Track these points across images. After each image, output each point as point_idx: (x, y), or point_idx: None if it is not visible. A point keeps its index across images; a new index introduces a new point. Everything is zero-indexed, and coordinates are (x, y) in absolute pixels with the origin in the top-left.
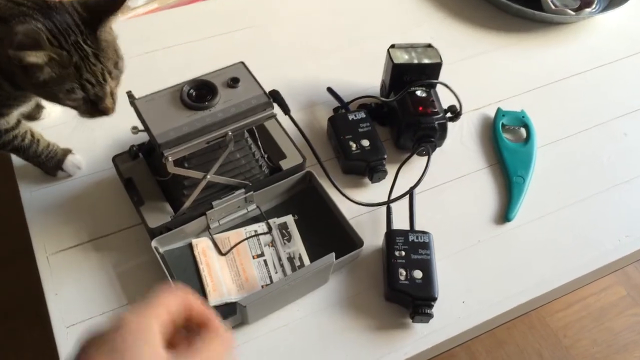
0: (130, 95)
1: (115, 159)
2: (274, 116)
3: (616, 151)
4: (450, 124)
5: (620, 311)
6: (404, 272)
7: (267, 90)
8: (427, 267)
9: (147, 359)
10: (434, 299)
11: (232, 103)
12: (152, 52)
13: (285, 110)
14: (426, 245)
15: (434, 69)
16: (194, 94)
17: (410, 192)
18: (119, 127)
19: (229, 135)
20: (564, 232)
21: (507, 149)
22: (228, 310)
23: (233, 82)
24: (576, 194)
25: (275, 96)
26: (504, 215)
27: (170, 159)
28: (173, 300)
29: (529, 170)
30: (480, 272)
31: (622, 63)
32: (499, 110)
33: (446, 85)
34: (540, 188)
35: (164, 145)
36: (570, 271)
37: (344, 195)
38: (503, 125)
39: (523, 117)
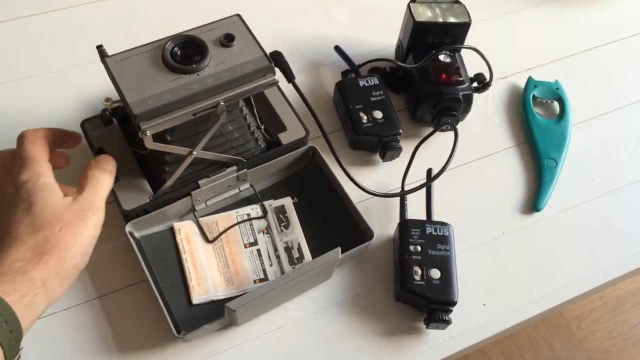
0: (101, 50)
1: (85, 124)
2: (275, 83)
3: None
4: (475, 95)
5: (639, 301)
6: (419, 271)
7: (268, 50)
8: (446, 265)
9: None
10: (454, 304)
11: (226, 66)
12: None
13: (289, 76)
14: (446, 240)
15: (461, 30)
16: (179, 53)
17: (428, 185)
18: (90, 84)
19: (221, 106)
20: (600, 225)
21: (539, 126)
22: (214, 310)
23: (227, 40)
24: (614, 180)
25: (277, 59)
26: (533, 204)
27: (148, 133)
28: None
29: (563, 152)
30: (503, 270)
31: None
32: (530, 79)
33: (477, 51)
34: (573, 173)
35: (141, 117)
36: (606, 271)
37: (353, 180)
38: (534, 97)
39: (557, 88)
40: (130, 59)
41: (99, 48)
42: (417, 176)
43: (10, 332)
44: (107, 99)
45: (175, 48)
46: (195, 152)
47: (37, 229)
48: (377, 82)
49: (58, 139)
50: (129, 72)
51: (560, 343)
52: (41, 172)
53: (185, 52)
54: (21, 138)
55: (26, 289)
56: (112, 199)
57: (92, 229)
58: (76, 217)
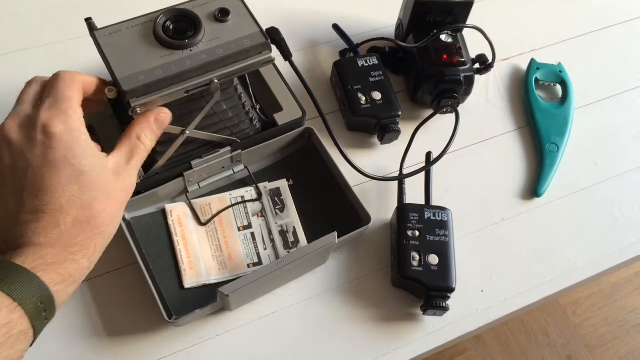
0: (90, 23)
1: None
2: (271, 61)
3: None
4: (476, 77)
5: (635, 288)
6: (417, 257)
7: (264, 26)
8: (445, 251)
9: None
10: (452, 290)
11: (220, 42)
12: None
13: (286, 54)
14: (444, 225)
15: (464, 9)
16: (171, 27)
17: (427, 169)
18: (81, 59)
19: (215, 84)
20: (601, 212)
21: (541, 109)
22: (206, 294)
23: (222, 15)
24: (617, 166)
25: (274, 36)
26: (533, 189)
27: (138, 110)
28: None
29: (565, 137)
30: (502, 256)
31: None
32: (532, 61)
33: (481, 31)
34: (575, 158)
35: (131, 93)
36: (607, 257)
37: (350, 163)
38: (536, 80)
39: (560, 71)
40: (120, 33)
41: (88, 21)
42: (416, 159)
43: (46, 320)
44: (111, 90)
45: (168, 22)
46: (187, 132)
47: (86, 205)
48: (377, 62)
49: (91, 91)
50: (118, 47)
51: (556, 329)
52: (80, 126)
53: (178, 26)
54: (56, 79)
55: (61, 271)
56: None
57: (126, 198)
58: (123, 190)
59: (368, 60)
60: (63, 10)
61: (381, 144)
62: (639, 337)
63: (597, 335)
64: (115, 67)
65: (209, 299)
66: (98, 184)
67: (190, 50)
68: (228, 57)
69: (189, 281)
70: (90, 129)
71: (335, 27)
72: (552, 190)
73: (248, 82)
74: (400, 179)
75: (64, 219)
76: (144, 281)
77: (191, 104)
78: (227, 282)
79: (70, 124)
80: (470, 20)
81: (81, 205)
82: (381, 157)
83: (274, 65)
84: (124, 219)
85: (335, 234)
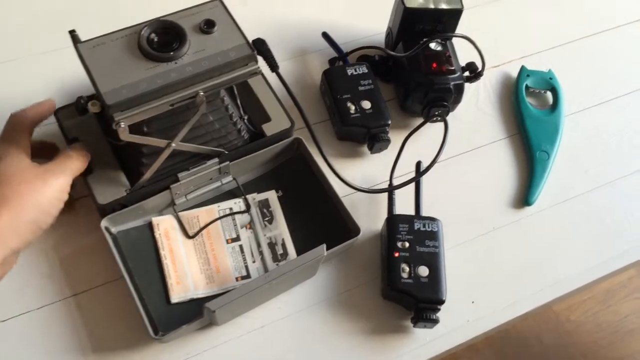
0: (74, 36)
1: (59, 112)
2: (258, 73)
3: None
4: (466, 85)
5: (629, 293)
6: (407, 268)
7: (251, 37)
8: (434, 262)
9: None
10: (442, 302)
11: (205, 54)
12: None
13: (273, 66)
14: (434, 236)
15: (453, 17)
16: (155, 39)
17: (417, 180)
18: (65, 70)
19: (200, 96)
20: (592, 220)
21: (531, 116)
22: (194, 309)
23: (207, 27)
24: (608, 173)
25: (260, 47)
26: (524, 197)
27: (123, 124)
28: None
29: (555, 144)
30: (493, 266)
31: None
32: (523, 69)
33: (469, 40)
34: (566, 165)
35: (115, 107)
36: (599, 265)
37: (338, 176)
38: (527, 87)
39: (550, 78)
40: (104, 45)
41: (72, 33)
42: (406, 168)
43: None
44: (94, 103)
45: (152, 34)
46: (173, 144)
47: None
48: (366, 71)
49: (45, 117)
50: (102, 60)
51: (550, 335)
52: (14, 150)
53: (162, 38)
54: (9, 120)
55: None
56: (87, 193)
57: (53, 191)
58: (37, 177)
59: (357, 69)
60: (48, 22)
61: (371, 153)
62: (633, 343)
63: (591, 341)
64: (99, 81)
65: (197, 313)
66: (11, 170)
67: (175, 63)
68: (213, 69)
69: (176, 296)
70: (75, 140)
71: (325, 35)
72: (543, 198)
73: (236, 92)
74: (389, 190)
75: None
76: (130, 296)
77: (177, 116)
78: (215, 296)
79: (7, 148)
80: (460, 28)
81: None
82: (371, 166)
83: (262, 76)
84: (110, 232)
85: (324, 246)
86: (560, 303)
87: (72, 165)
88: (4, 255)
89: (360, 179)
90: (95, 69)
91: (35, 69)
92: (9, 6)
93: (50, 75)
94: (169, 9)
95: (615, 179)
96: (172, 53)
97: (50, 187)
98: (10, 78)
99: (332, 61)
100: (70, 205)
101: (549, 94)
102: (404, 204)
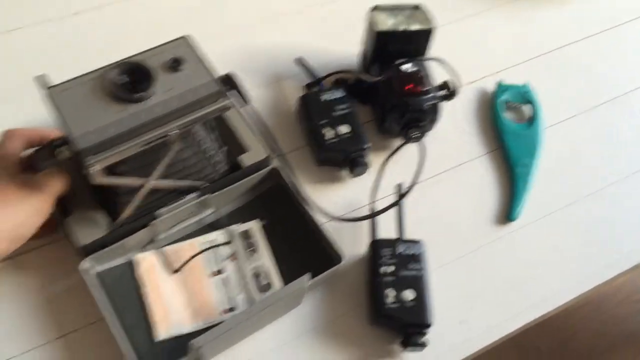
0: (42, 81)
1: (37, 154)
2: (228, 109)
3: (636, 131)
4: (443, 103)
5: (625, 296)
6: (392, 293)
7: (225, 65)
8: (419, 285)
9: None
10: (428, 326)
11: (174, 93)
12: (68, 15)
13: (244, 100)
14: (418, 258)
15: (424, 37)
16: (123, 81)
17: (398, 203)
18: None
19: (172, 135)
20: (577, 232)
21: (509, 131)
22: (180, 345)
23: (175, 64)
24: (589, 184)
25: (230, 82)
26: (507, 213)
27: (96, 167)
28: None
29: (534, 158)
30: (480, 285)
31: None
32: (499, 84)
33: (441, 61)
34: (547, 179)
35: (86, 152)
36: (586, 279)
37: (312, 206)
38: (504, 102)
39: (526, 92)
40: (72, 89)
41: (40, 78)
42: (388, 190)
43: None
44: (65, 150)
45: (120, 76)
46: (149, 183)
47: None
48: (342, 95)
49: (37, 140)
50: (71, 104)
51: (547, 344)
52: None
53: (130, 79)
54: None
55: None
56: (66, 235)
57: (32, 203)
58: (17, 190)
59: (333, 93)
60: (14, 63)
61: (352, 176)
62: (632, 347)
63: (589, 347)
64: (69, 125)
65: (183, 349)
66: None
67: (144, 104)
68: (183, 107)
69: (162, 333)
70: None
71: (298, 61)
72: (526, 213)
73: (212, 125)
74: (370, 217)
75: None
76: (113, 337)
77: (151, 155)
78: (201, 331)
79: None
80: (434, 46)
81: None
82: (352, 190)
83: (236, 108)
84: (91, 272)
85: (307, 276)
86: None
87: (52, 182)
88: None
89: (342, 203)
90: (65, 113)
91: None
92: None
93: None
94: (137, 48)
95: (597, 189)
96: (140, 94)
97: (28, 200)
98: None
99: (308, 86)
100: (51, 227)
101: (527, 108)
102: (388, 225)
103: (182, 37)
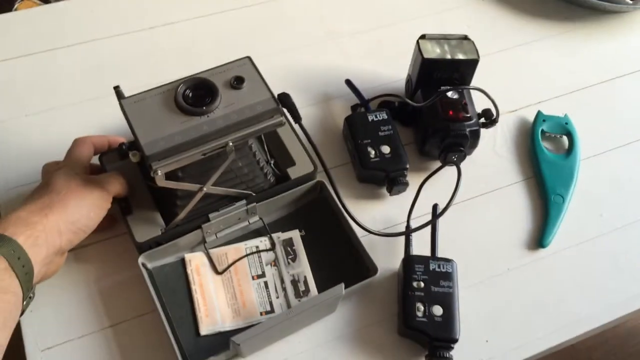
0: (118, 92)
1: (102, 157)
2: (281, 125)
3: None
4: (483, 130)
5: None
6: (421, 307)
7: (279, 85)
8: (448, 302)
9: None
10: (455, 341)
11: (235, 108)
12: (144, 29)
13: (296, 117)
14: (449, 276)
15: (469, 66)
16: (190, 95)
17: (433, 222)
18: (109, 118)
19: (230, 146)
20: (606, 262)
21: (547, 161)
22: (221, 341)
23: (237, 83)
24: (622, 217)
25: (285, 100)
26: (539, 240)
27: (159, 172)
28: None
29: (570, 188)
30: (507, 306)
31: None
32: (539, 114)
33: (483, 91)
34: (580, 208)
35: (153, 157)
36: (612, 308)
37: (355, 221)
38: (543, 132)
39: (566, 123)
40: (144, 101)
41: (116, 89)
42: (424, 209)
43: (23, 267)
44: (135, 154)
45: (187, 90)
46: (205, 189)
47: (47, 192)
48: (386, 117)
49: (103, 148)
50: (143, 114)
51: None
52: (67, 164)
53: (196, 94)
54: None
55: (30, 231)
56: (126, 231)
57: (93, 199)
58: (80, 187)
59: (378, 115)
60: (94, 71)
61: (390, 195)
62: None
63: None
64: (139, 133)
65: (224, 345)
66: (59, 181)
67: (208, 117)
68: (242, 121)
69: (205, 329)
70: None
71: (348, 82)
72: (557, 240)
73: (263, 139)
74: (406, 234)
75: (30, 201)
76: (163, 328)
77: (209, 163)
78: (241, 329)
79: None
80: (478, 74)
81: (43, 193)
82: (390, 208)
83: (288, 124)
84: (146, 268)
85: (342, 285)
86: (582, 342)
87: (112, 182)
88: (49, 254)
89: (379, 220)
90: (136, 122)
91: (81, 115)
92: (58, 56)
93: (94, 123)
94: (202, 66)
95: (630, 222)
96: (204, 107)
97: (91, 196)
98: (57, 123)
99: (354, 107)
100: (110, 222)
101: (565, 139)
102: (421, 244)
103: (245, 57)
